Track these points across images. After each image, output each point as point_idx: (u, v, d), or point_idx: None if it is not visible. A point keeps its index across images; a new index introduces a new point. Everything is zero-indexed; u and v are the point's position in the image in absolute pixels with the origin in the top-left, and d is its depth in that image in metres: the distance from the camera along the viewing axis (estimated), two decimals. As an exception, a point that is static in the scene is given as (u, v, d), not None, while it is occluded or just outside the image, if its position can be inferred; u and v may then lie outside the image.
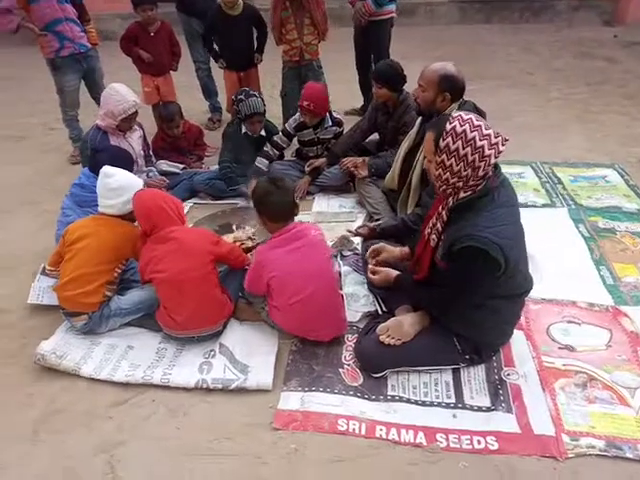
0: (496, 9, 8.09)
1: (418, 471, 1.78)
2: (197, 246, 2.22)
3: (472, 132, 1.73)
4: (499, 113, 4.82)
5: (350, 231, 2.67)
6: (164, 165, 3.65)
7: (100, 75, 4.08)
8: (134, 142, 3.33)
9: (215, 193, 3.49)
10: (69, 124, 4.12)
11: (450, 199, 1.86)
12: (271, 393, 2.08)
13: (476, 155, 1.74)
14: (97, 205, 2.39)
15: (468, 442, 1.86)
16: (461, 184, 1.80)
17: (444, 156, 1.76)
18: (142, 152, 3.43)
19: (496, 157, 1.77)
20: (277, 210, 2.17)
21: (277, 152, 3.54)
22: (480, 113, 2.67)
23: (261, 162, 3.46)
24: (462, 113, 1.78)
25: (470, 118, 1.75)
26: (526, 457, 1.80)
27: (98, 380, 2.14)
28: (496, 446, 1.84)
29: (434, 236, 1.94)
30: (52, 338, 2.29)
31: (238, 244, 2.81)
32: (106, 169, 2.36)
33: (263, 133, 3.57)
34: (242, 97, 3.35)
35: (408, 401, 2.03)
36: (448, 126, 1.74)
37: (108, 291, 2.31)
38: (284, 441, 1.89)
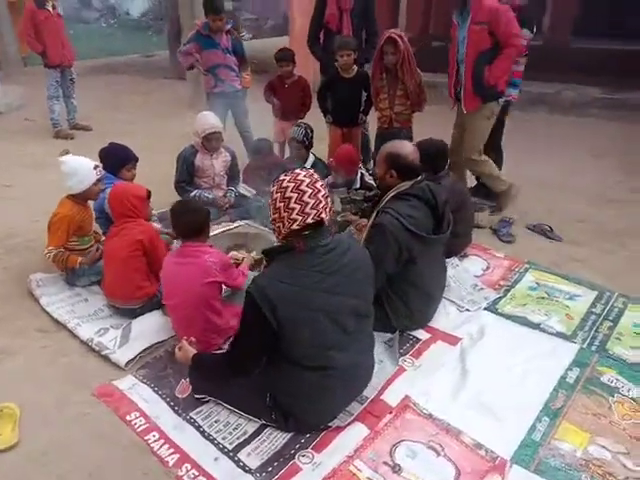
0: None
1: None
2: (129, 234, 2.69)
3: (292, 192, 1.82)
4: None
5: None
6: (241, 188, 4.29)
7: (243, 112, 4.99)
8: (217, 163, 4.04)
9: (259, 218, 3.91)
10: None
11: None
12: (123, 372, 2.41)
13: (286, 214, 1.83)
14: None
15: (200, 483, 1.86)
16: (277, 233, 1.90)
17: (270, 200, 1.90)
18: (222, 173, 4.11)
19: (300, 225, 1.82)
20: (183, 227, 2.49)
21: None
22: (435, 197, 2.51)
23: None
24: (303, 172, 1.87)
25: (302, 181, 1.83)
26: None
27: (46, 311, 2.81)
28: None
29: None
30: (47, 275, 3.06)
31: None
32: (61, 157, 2.86)
33: (309, 165, 3.88)
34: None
35: (198, 428, 2.09)
36: (281, 177, 1.87)
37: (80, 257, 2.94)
38: (86, 405, 2.21)
